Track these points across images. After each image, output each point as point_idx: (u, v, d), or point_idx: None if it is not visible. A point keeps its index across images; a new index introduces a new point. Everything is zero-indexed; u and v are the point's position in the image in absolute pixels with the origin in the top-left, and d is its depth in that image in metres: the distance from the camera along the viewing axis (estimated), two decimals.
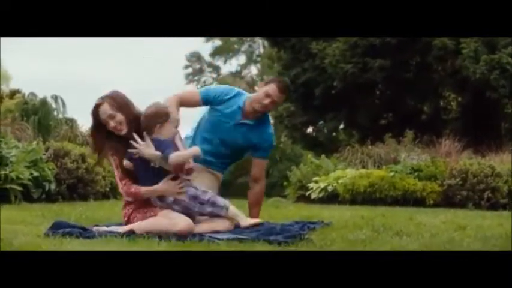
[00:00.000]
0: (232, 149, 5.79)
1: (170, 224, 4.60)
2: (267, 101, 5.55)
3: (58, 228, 4.56)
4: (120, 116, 4.87)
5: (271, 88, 5.57)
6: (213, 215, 4.86)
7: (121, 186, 4.93)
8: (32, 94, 19.04)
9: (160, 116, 4.82)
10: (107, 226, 5.01)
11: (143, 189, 4.82)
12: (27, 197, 9.27)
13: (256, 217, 5.86)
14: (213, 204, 4.83)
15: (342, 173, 13.19)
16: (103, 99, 4.92)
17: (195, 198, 4.81)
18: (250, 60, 48.06)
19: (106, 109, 4.87)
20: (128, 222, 4.89)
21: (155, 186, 4.80)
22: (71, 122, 17.44)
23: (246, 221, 4.87)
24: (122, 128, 4.88)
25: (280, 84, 5.69)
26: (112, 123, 4.88)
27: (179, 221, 4.63)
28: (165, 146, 4.76)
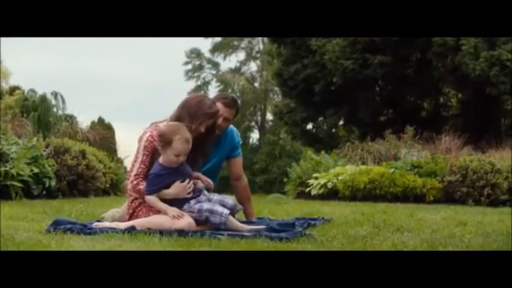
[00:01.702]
0: (217, 163, 5.83)
1: (171, 221, 4.62)
2: (219, 120, 5.56)
3: (59, 225, 4.57)
4: None
5: (221, 108, 5.58)
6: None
7: (131, 180, 4.93)
8: (32, 91, 19.05)
9: (161, 140, 4.81)
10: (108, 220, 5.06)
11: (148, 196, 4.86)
12: (27, 193, 9.28)
13: (252, 214, 5.96)
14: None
15: (342, 170, 13.19)
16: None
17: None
18: (249, 57, 48.08)
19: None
20: (132, 214, 4.94)
21: (166, 190, 4.83)
22: (70, 119, 17.45)
23: (247, 228, 4.85)
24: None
25: (226, 100, 5.74)
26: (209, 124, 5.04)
27: (180, 219, 4.65)
28: (149, 176, 4.85)
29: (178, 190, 4.81)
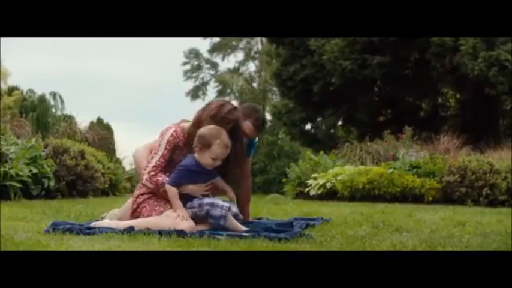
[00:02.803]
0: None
1: (173, 223, 4.61)
2: (244, 138, 5.55)
3: (57, 226, 4.57)
4: None
5: (249, 128, 5.61)
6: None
7: (148, 171, 4.93)
8: (31, 91, 19.03)
9: (200, 141, 4.86)
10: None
11: (168, 186, 4.87)
12: (26, 193, 9.28)
13: (248, 215, 5.95)
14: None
15: (341, 170, 13.18)
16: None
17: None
18: (248, 57, 48.02)
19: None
20: (136, 210, 4.96)
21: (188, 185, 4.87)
22: (69, 119, 17.43)
23: (244, 229, 4.85)
24: None
25: (257, 123, 5.73)
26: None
27: (182, 222, 4.65)
28: (180, 167, 4.88)
29: (196, 188, 4.87)
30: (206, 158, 4.83)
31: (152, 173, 4.91)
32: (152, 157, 4.97)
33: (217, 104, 5.10)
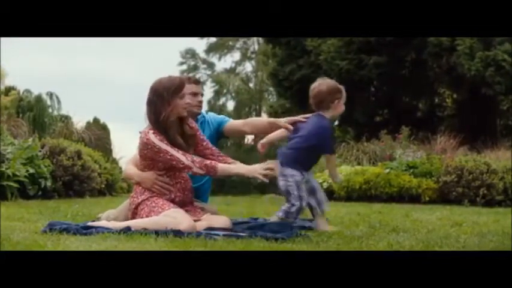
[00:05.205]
0: None
1: (173, 223, 4.57)
2: (199, 98, 5.63)
3: (54, 226, 4.56)
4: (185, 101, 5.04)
5: (193, 88, 5.55)
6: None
7: (189, 159, 4.81)
8: (27, 91, 19.00)
9: (336, 92, 4.90)
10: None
11: (219, 165, 4.85)
12: (23, 194, 9.28)
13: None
14: None
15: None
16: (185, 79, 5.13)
17: None
18: (245, 57, 48.07)
19: (189, 87, 5.20)
20: (135, 210, 4.93)
21: (242, 167, 4.90)
22: (65, 119, 17.41)
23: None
24: (186, 110, 5.03)
25: (192, 78, 5.69)
26: (188, 100, 5.14)
27: (182, 221, 4.62)
28: (327, 132, 4.99)
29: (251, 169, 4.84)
30: (341, 106, 4.95)
31: (196, 159, 4.82)
32: (173, 160, 4.83)
33: (158, 81, 4.98)
